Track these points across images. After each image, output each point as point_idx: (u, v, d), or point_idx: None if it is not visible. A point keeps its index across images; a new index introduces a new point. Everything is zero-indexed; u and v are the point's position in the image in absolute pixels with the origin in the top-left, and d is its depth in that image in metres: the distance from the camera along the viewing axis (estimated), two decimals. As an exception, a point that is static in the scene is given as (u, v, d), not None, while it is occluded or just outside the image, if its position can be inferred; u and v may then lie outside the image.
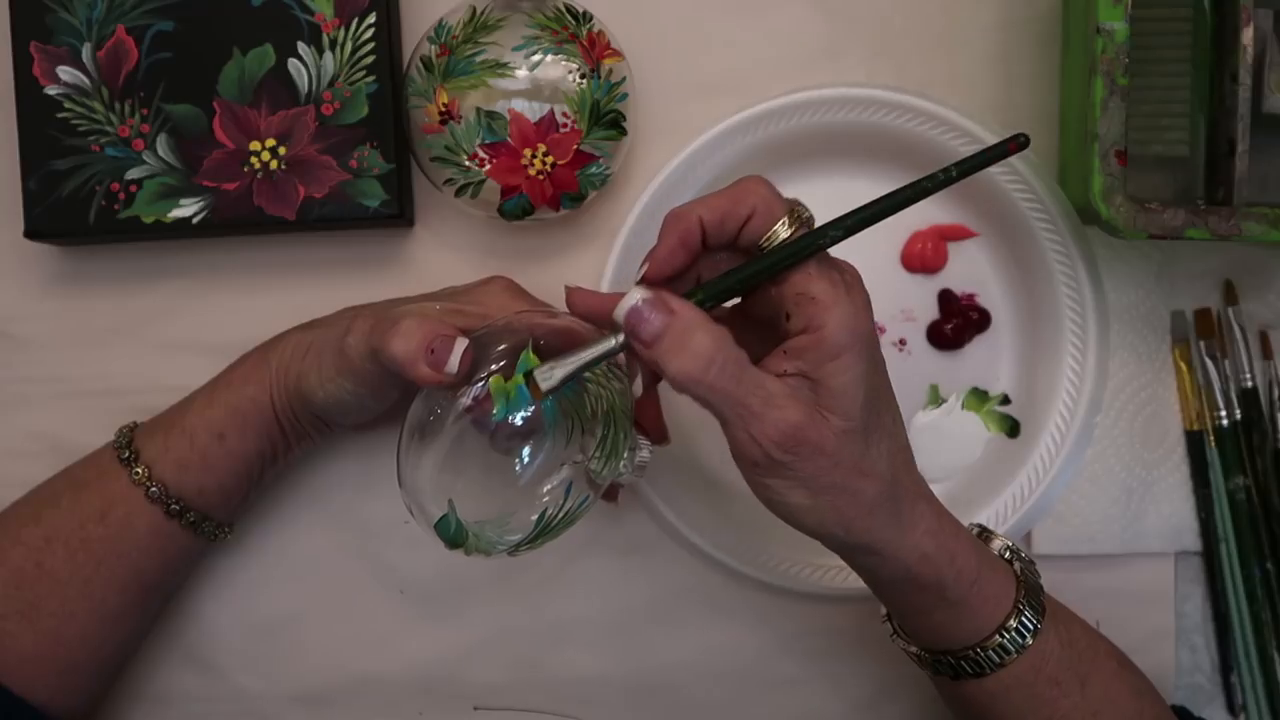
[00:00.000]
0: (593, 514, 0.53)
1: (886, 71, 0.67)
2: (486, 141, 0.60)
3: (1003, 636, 0.52)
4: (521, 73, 0.60)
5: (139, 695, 0.67)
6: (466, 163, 0.61)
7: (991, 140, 0.64)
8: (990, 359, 0.68)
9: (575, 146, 0.61)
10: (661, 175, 0.64)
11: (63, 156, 0.63)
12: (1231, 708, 0.67)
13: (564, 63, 0.60)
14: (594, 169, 0.62)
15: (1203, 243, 0.60)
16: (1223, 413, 0.67)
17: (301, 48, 0.63)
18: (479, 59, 0.60)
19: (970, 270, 0.68)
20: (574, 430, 0.50)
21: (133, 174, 0.63)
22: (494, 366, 0.50)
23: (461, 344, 0.50)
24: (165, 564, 0.61)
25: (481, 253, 0.67)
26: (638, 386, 0.51)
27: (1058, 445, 0.65)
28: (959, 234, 0.67)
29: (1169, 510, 0.67)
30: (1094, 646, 0.55)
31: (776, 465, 0.47)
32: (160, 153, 0.63)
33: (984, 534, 0.56)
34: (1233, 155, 0.60)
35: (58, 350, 0.68)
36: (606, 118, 0.61)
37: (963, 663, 0.53)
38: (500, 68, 0.60)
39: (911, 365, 0.68)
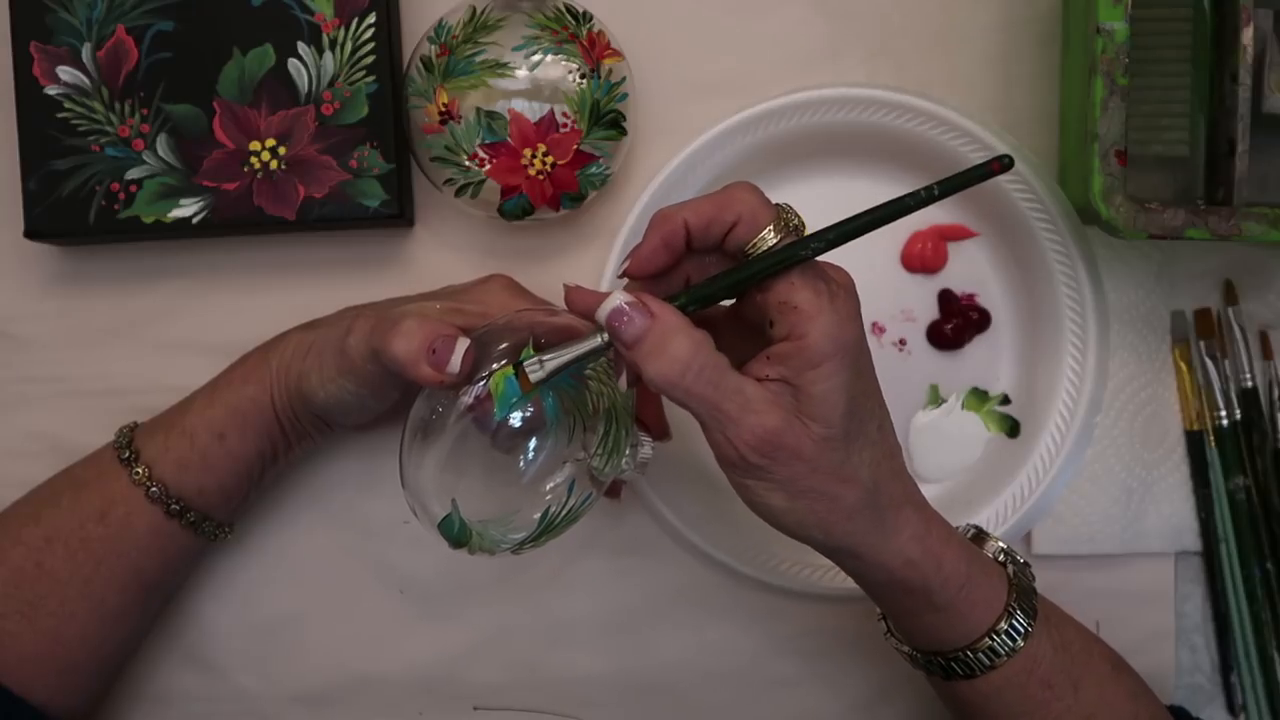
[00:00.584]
0: (593, 514, 0.53)
1: (886, 72, 0.67)
2: (486, 141, 0.60)
3: (993, 639, 0.52)
4: (521, 73, 0.60)
5: (139, 695, 0.67)
6: (466, 163, 0.61)
7: (991, 140, 0.64)
8: (990, 359, 0.68)
9: (575, 146, 0.61)
10: (661, 175, 0.64)
11: (63, 156, 0.63)
12: (1231, 708, 0.67)
13: (564, 63, 0.60)
14: (594, 169, 0.62)
15: (1203, 243, 0.60)
16: (1223, 413, 0.67)
17: (301, 48, 0.63)
18: (479, 59, 0.60)
19: (970, 270, 0.68)
20: (575, 428, 0.51)
21: (133, 174, 0.63)
22: (495, 365, 0.50)
23: (463, 344, 0.50)
24: (165, 564, 0.61)
25: (481, 253, 0.67)
26: (622, 383, 0.51)
27: (1058, 445, 0.65)
28: (959, 234, 0.67)
29: (1169, 510, 0.67)
30: (1088, 650, 0.55)
31: (753, 468, 0.47)
32: (160, 153, 0.63)
33: (979, 536, 0.57)
34: (1233, 155, 0.60)
35: (58, 350, 0.68)
36: (606, 118, 0.61)
37: (953, 664, 0.53)
38: (500, 68, 0.60)
39: (911, 365, 0.68)
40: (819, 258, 0.48)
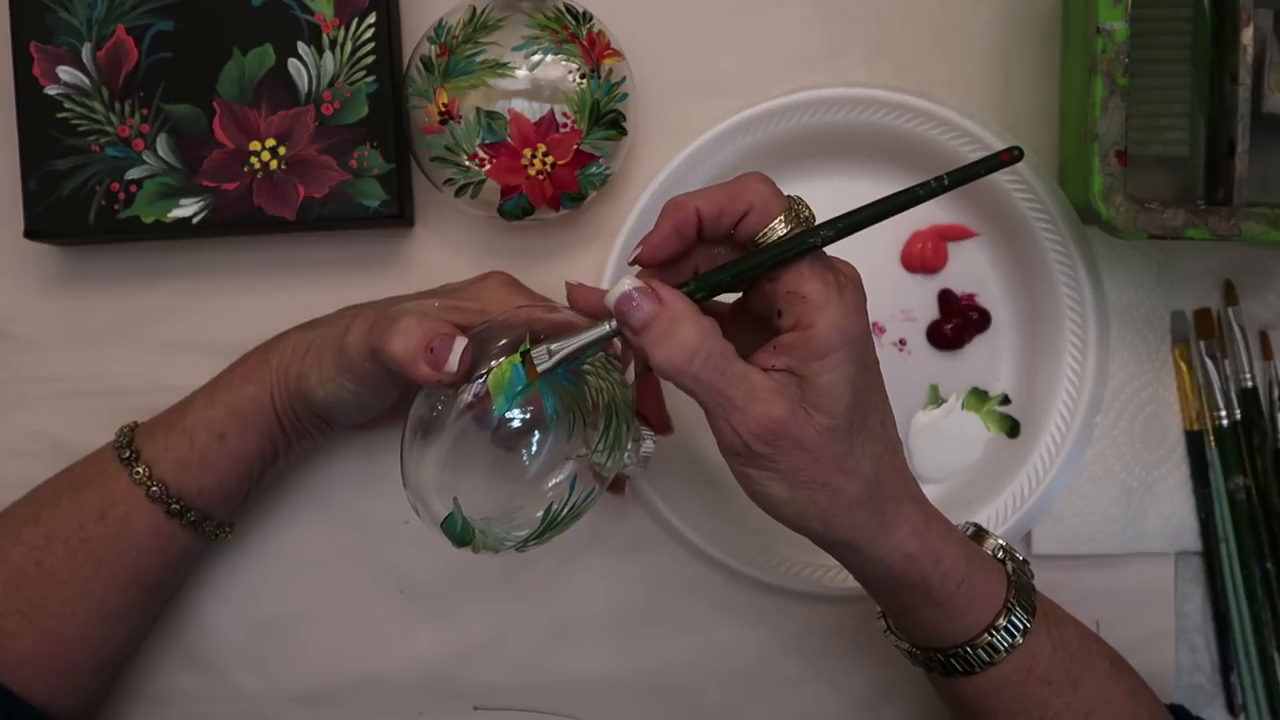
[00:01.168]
0: (594, 513, 0.53)
1: (886, 72, 0.67)
2: (486, 141, 0.60)
3: (992, 635, 0.52)
4: (521, 73, 0.60)
5: (139, 695, 0.67)
6: (466, 163, 0.61)
7: (991, 140, 0.64)
8: (990, 359, 0.68)
9: (575, 146, 0.61)
10: (661, 175, 0.64)
11: (63, 156, 0.63)
12: (1231, 708, 0.67)
13: (564, 63, 0.60)
14: (594, 169, 0.62)
15: (1203, 243, 0.60)
16: (1223, 413, 0.67)
17: (301, 48, 0.63)
18: (479, 59, 0.60)
19: (970, 270, 0.68)
20: (576, 424, 0.51)
21: (133, 174, 0.63)
22: (494, 363, 0.50)
23: (461, 343, 0.50)
24: (165, 563, 0.61)
25: (481, 253, 0.67)
26: (630, 374, 0.51)
27: (1058, 445, 0.65)
28: (959, 234, 0.67)
29: (1169, 510, 0.67)
30: (1087, 647, 0.55)
31: (756, 456, 0.47)
32: (160, 153, 0.63)
33: (979, 533, 0.57)
34: (1233, 155, 0.60)
35: (58, 350, 0.68)
36: (606, 118, 0.61)
37: (952, 660, 0.53)
38: (500, 68, 0.60)
39: (911, 365, 0.68)
40: (827, 251, 0.48)
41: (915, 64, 0.67)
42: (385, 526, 0.67)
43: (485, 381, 0.50)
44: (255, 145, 0.63)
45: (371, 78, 0.63)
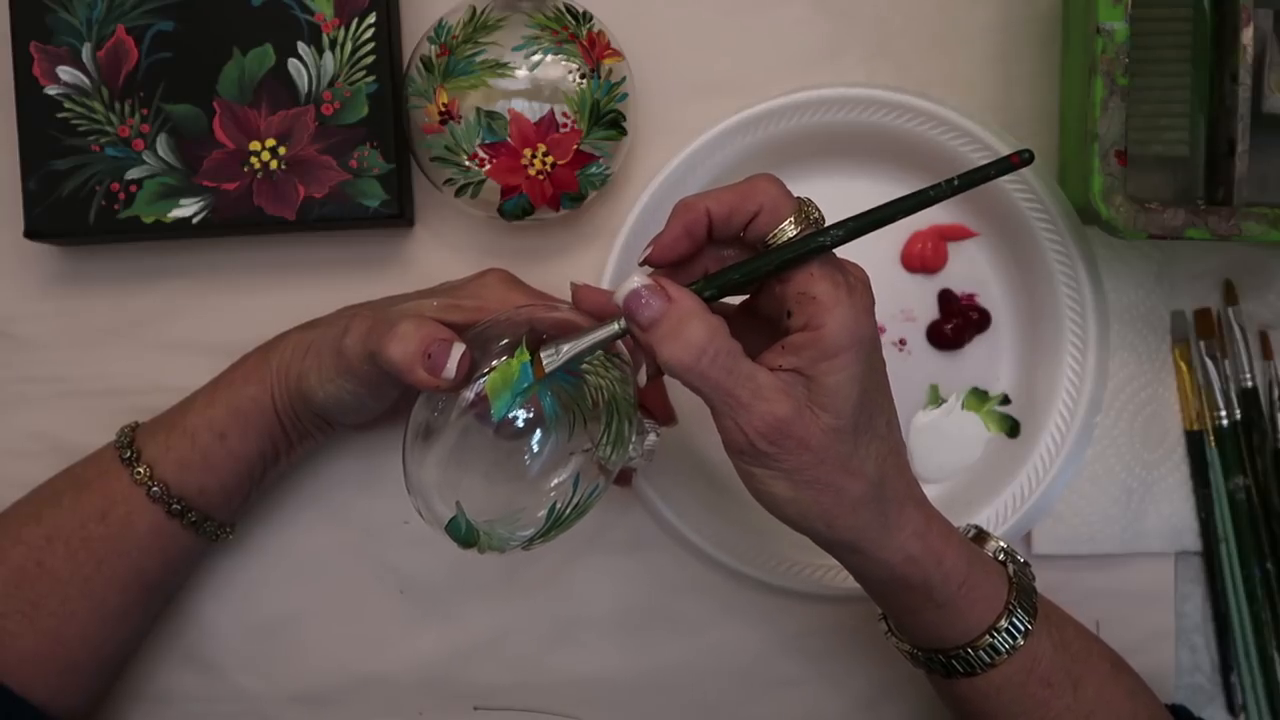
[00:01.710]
0: (594, 514, 0.53)
1: (886, 72, 0.67)
2: (486, 141, 0.60)
3: (993, 637, 0.52)
4: (521, 73, 0.60)
5: (139, 695, 0.67)
6: (466, 163, 0.61)
7: (991, 140, 0.64)
8: (990, 359, 0.68)
9: (575, 146, 0.61)
10: (661, 175, 0.64)
11: (63, 156, 0.63)
12: (1231, 708, 0.67)
13: (564, 63, 0.60)
14: (594, 169, 0.62)
15: (1203, 243, 0.60)
16: (1223, 413, 0.67)
17: (301, 48, 0.63)
18: (479, 59, 0.60)
19: (970, 270, 0.68)
20: (576, 423, 0.51)
21: (133, 174, 0.63)
22: (495, 362, 0.50)
23: (459, 349, 0.50)
24: (166, 563, 0.61)
25: (481, 253, 0.67)
26: (642, 376, 0.51)
27: (1058, 445, 0.65)
28: (959, 234, 0.67)
29: (1169, 510, 0.67)
30: (1088, 649, 0.55)
31: (761, 455, 0.48)
32: (160, 153, 0.63)
33: (980, 535, 0.57)
34: (1233, 155, 0.60)
35: (58, 350, 0.68)
36: (606, 118, 0.61)
37: (954, 661, 0.53)
38: (500, 68, 0.60)
39: (911, 365, 0.68)
40: (837, 253, 0.49)
41: (915, 64, 0.67)
42: (386, 527, 0.67)
43: (486, 382, 0.50)
44: (255, 145, 0.63)
45: (371, 78, 0.63)
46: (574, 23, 0.61)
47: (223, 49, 0.63)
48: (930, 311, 0.68)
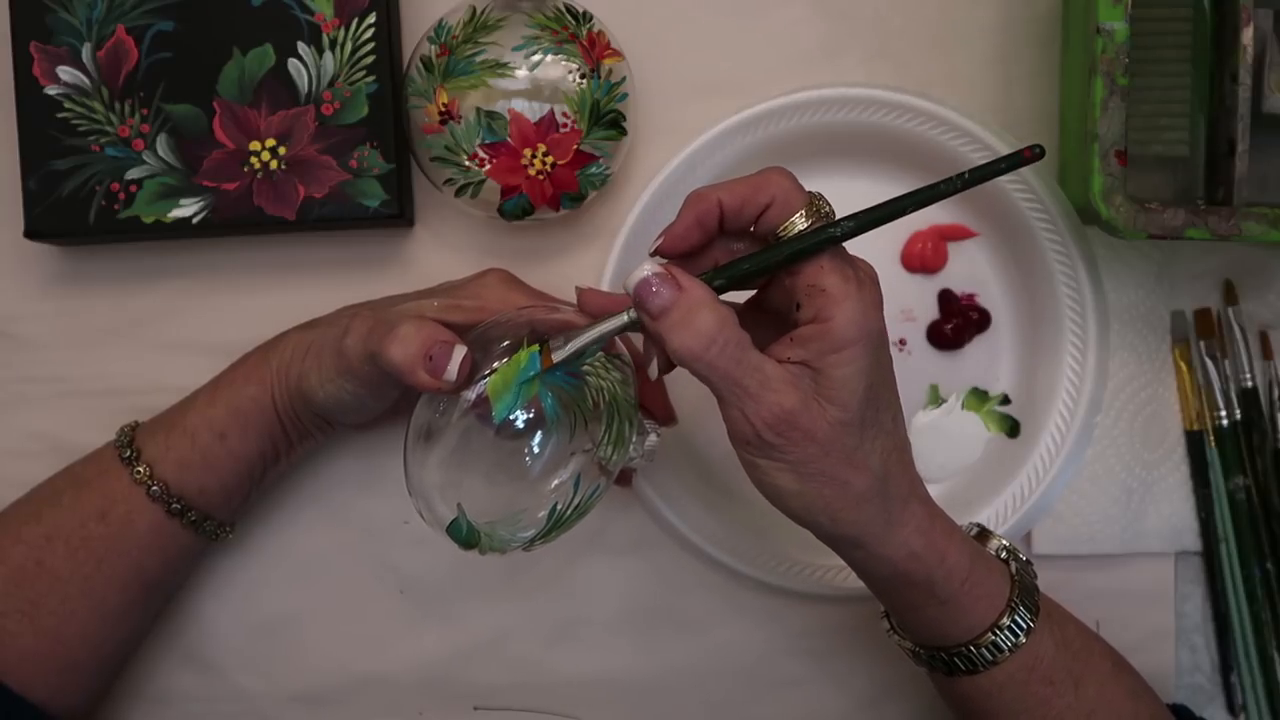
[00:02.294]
0: (595, 514, 0.53)
1: (886, 72, 0.67)
2: (486, 141, 0.60)
3: (995, 635, 0.52)
4: (521, 73, 0.60)
5: (139, 695, 0.67)
6: (466, 163, 0.61)
7: (992, 140, 0.64)
8: (990, 359, 0.68)
9: (575, 146, 0.61)
10: (661, 175, 0.64)
11: (63, 156, 0.63)
12: (1231, 708, 0.67)
13: (564, 63, 0.60)
14: (594, 169, 0.62)
15: (1203, 243, 0.60)
16: (1223, 413, 0.67)
17: (301, 48, 0.63)
18: (479, 59, 0.60)
19: (970, 270, 0.68)
20: (576, 424, 0.51)
21: (133, 174, 0.63)
22: (497, 364, 0.50)
23: (460, 351, 0.51)
24: (166, 563, 0.61)
25: (481, 253, 0.67)
26: (653, 370, 0.51)
27: (1058, 445, 0.65)
28: (959, 234, 0.67)
29: (1169, 510, 0.67)
30: (1089, 647, 0.55)
31: (767, 446, 0.48)
32: (160, 153, 0.63)
33: (982, 534, 0.57)
34: (1233, 155, 0.60)
35: (58, 350, 0.68)
36: (606, 118, 0.61)
37: (956, 659, 0.53)
38: (500, 68, 0.60)
39: (911, 365, 0.68)
40: (847, 249, 0.49)
41: (915, 64, 0.67)
42: (386, 527, 0.67)
43: (488, 383, 0.50)
44: (255, 145, 0.63)
45: (371, 78, 0.63)
46: (574, 23, 0.61)
47: (223, 49, 0.63)
48: (930, 311, 0.68)
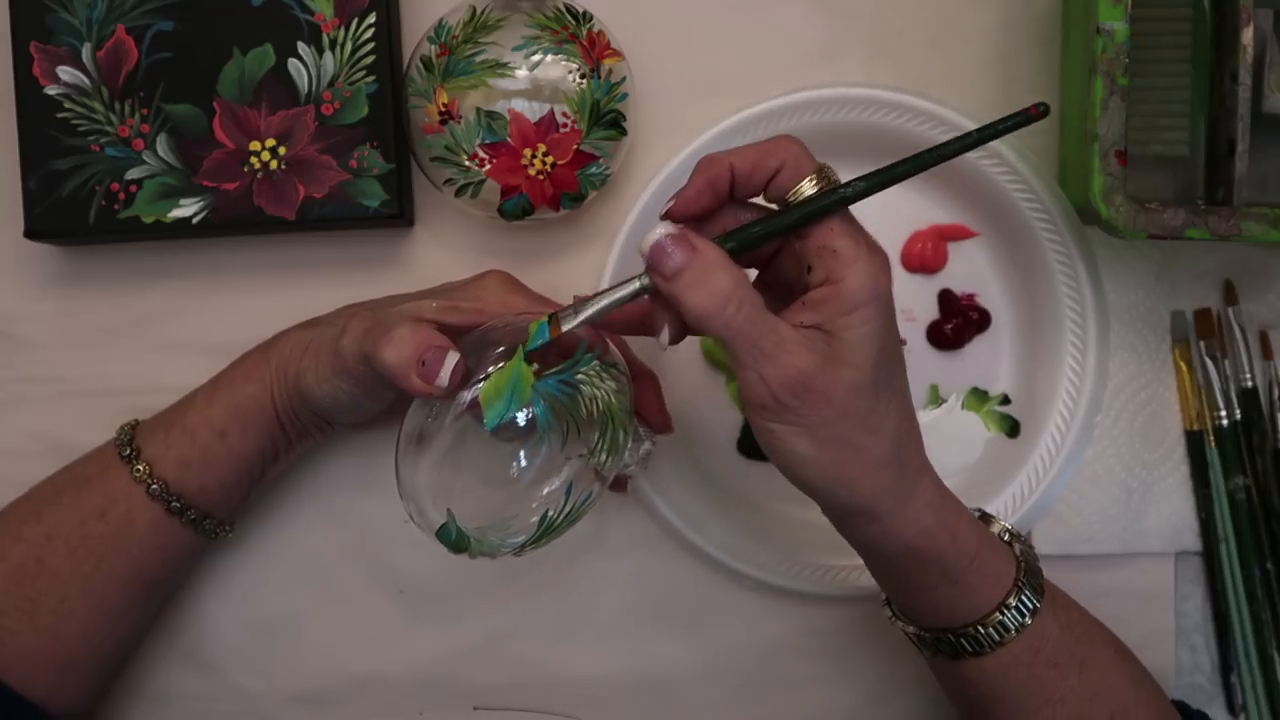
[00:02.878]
0: (593, 514, 0.53)
1: (886, 71, 0.67)
2: (486, 141, 0.60)
3: (1003, 614, 0.52)
4: (521, 73, 0.60)
5: (139, 694, 0.67)
6: (466, 163, 0.61)
7: (990, 143, 0.64)
8: (990, 359, 0.68)
9: (575, 146, 0.61)
10: (661, 175, 0.64)
11: (63, 156, 0.63)
12: (1231, 708, 0.67)
13: (564, 63, 0.60)
14: (594, 169, 0.62)
15: (1203, 243, 0.60)
16: (1223, 413, 0.67)
17: (301, 48, 0.63)
18: (479, 59, 0.60)
19: (970, 270, 0.68)
20: (570, 432, 0.51)
21: (133, 174, 0.63)
22: (491, 368, 0.50)
23: (453, 358, 0.51)
24: (166, 561, 0.61)
25: (481, 253, 0.67)
26: (663, 339, 0.50)
27: (1058, 445, 0.65)
28: (959, 234, 0.67)
29: (1169, 510, 0.67)
30: (1092, 633, 0.55)
31: (783, 409, 0.47)
32: (160, 153, 0.63)
33: (983, 517, 0.57)
34: (1233, 155, 0.60)
35: (58, 350, 0.68)
36: (606, 118, 0.61)
37: (962, 640, 0.53)
38: (500, 68, 0.60)
39: (911, 365, 0.66)
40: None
41: (915, 64, 0.67)
42: (385, 527, 0.67)
43: (481, 387, 0.50)
44: (255, 145, 0.63)
45: (371, 78, 0.63)
46: (574, 23, 0.61)
47: (223, 49, 0.63)
48: (930, 311, 0.68)
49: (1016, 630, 0.52)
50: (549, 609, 0.68)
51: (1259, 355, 0.67)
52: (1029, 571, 0.53)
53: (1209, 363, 0.67)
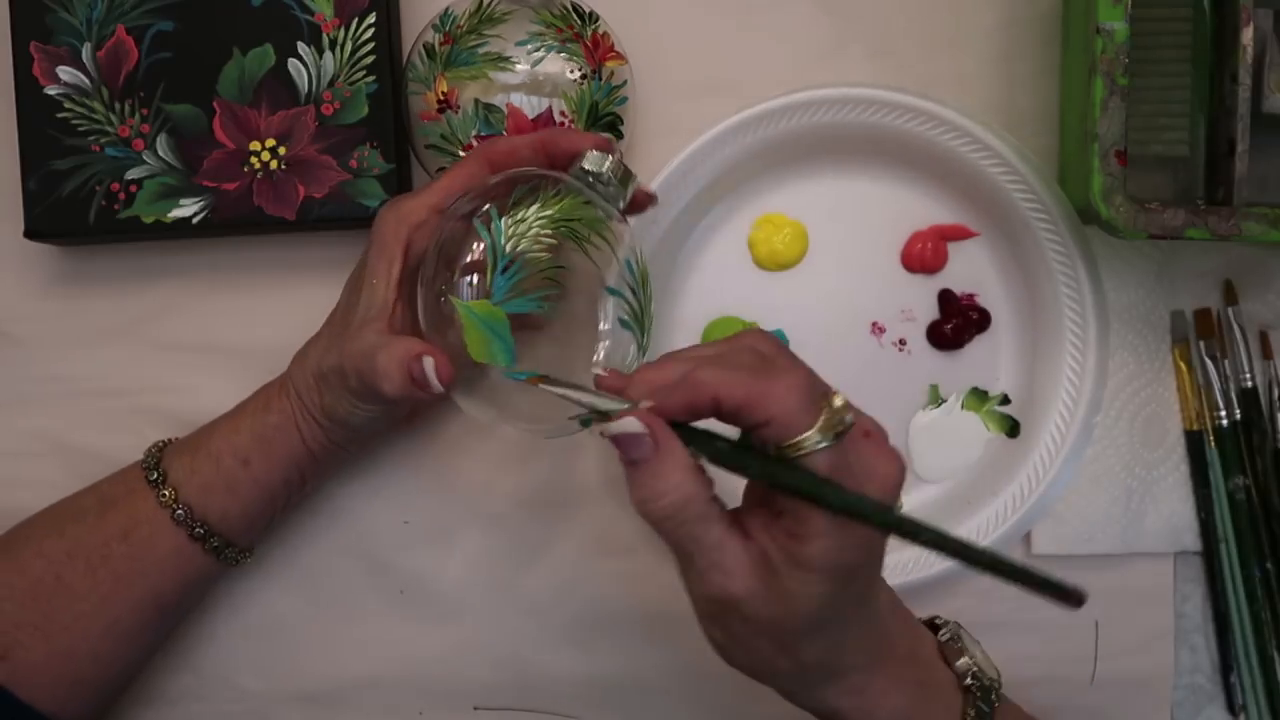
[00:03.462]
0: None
1: (887, 71, 0.67)
2: (482, 134, 0.60)
3: None
4: (522, 67, 0.60)
5: (140, 695, 0.67)
6: (460, 153, 0.61)
7: (991, 140, 0.64)
8: (990, 359, 0.68)
9: (572, 145, 0.61)
10: (662, 175, 0.64)
11: (63, 156, 0.63)
12: (1231, 708, 0.67)
13: (566, 61, 0.60)
14: (590, 169, 0.62)
15: (1203, 243, 0.60)
16: (1222, 413, 0.67)
17: (301, 48, 0.63)
18: (481, 51, 0.60)
19: (970, 270, 0.68)
20: (575, 269, 0.53)
21: (133, 174, 0.63)
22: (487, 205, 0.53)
23: (429, 362, 0.52)
24: (182, 586, 0.61)
25: (481, 253, 0.67)
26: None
27: (1058, 445, 0.65)
28: (959, 234, 0.67)
29: (1169, 510, 0.67)
30: None
31: (704, 614, 0.48)
32: (160, 153, 0.63)
33: (952, 642, 0.53)
34: (1233, 155, 0.60)
35: (58, 350, 0.68)
36: (604, 120, 0.61)
37: None
38: (502, 61, 0.60)
39: (911, 365, 0.68)
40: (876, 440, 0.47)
41: (916, 64, 0.67)
42: (386, 526, 0.67)
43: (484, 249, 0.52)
44: (255, 145, 0.63)
45: (371, 78, 0.63)
46: (579, 22, 0.61)
47: (223, 49, 0.63)
48: (930, 311, 0.68)
49: None
50: (550, 609, 0.68)
51: (1259, 355, 0.67)
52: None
53: (1209, 363, 0.67)
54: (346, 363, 0.55)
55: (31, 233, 0.63)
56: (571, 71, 0.60)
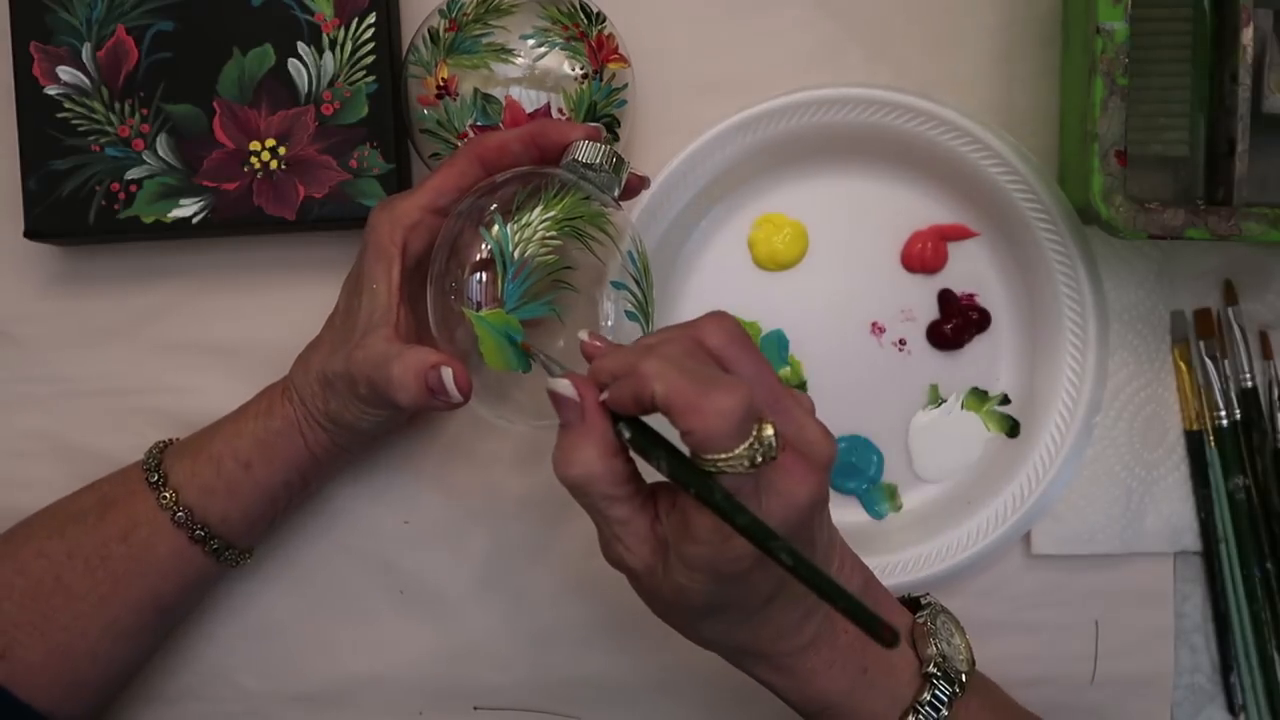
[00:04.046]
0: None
1: (887, 71, 0.67)
2: (478, 123, 0.60)
3: None
4: (524, 61, 0.60)
5: (139, 695, 0.67)
6: (455, 140, 0.61)
7: (991, 140, 0.64)
8: (990, 359, 0.68)
9: (566, 143, 0.61)
10: (662, 175, 0.64)
11: (63, 156, 0.63)
12: (1231, 708, 0.67)
13: (569, 59, 0.60)
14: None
15: (1203, 243, 0.60)
16: (1222, 413, 0.67)
17: (301, 48, 0.63)
18: (485, 40, 0.60)
19: (970, 270, 0.68)
20: (579, 269, 0.53)
21: (133, 174, 0.63)
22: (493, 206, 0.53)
23: (448, 372, 0.52)
24: (182, 587, 0.61)
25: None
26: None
27: (1057, 445, 0.65)
28: (959, 234, 0.67)
29: (1169, 510, 0.67)
30: None
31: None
32: (160, 153, 0.63)
33: (927, 626, 0.53)
34: (1233, 155, 0.60)
35: (58, 350, 0.68)
36: (601, 120, 0.61)
37: None
38: (504, 53, 0.60)
39: (911, 365, 0.68)
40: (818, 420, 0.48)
41: (916, 64, 0.67)
42: (386, 526, 0.67)
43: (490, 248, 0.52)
44: (255, 145, 0.63)
45: (371, 78, 0.63)
46: (586, 21, 0.61)
47: (223, 49, 0.63)
48: (930, 311, 0.68)
49: None
50: (549, 609, 0.68)
51: (1259, 355, 0.67)
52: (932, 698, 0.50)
53: (1209, 363, 0.67)
54: (355, 371, 0.55)
55: (31, 233, 0.63)
56: (573, 69, 0.60)
